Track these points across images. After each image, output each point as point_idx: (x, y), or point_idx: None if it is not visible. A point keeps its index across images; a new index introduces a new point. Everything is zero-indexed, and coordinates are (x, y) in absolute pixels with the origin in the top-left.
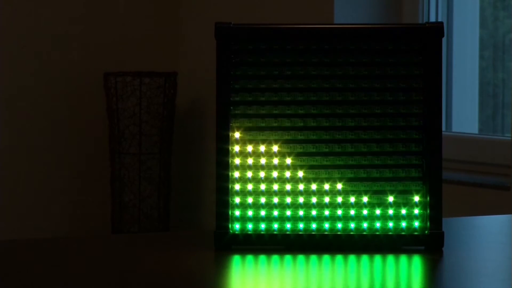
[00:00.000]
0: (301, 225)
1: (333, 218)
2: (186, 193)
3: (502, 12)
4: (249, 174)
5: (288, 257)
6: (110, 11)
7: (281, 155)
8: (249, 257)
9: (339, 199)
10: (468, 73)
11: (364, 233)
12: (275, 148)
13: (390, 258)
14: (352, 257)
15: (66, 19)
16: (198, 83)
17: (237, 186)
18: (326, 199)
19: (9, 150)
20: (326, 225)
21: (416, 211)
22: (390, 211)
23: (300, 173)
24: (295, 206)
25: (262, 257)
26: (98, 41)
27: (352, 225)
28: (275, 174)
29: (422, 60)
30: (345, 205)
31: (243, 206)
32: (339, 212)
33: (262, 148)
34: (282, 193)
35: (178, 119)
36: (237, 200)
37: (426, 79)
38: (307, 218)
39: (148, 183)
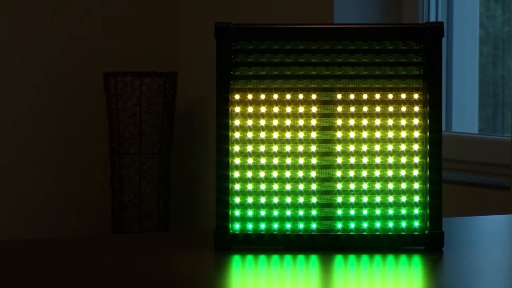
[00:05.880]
0: (301, 225)
1: (333, 218)
2: (186, 193)
3: (501, 11)
4: (249, 174)
5: (288, 257)
6: (110, 11)
7: (281, 155)
8: (249, 257)
9: (339, 199)
10: (468, 73)
11: (364, 233)
12: (275, 148)
13: (390, 258)
14: (352, 257)
15: (66, 19)
16: (198, 83)
17: (237, 186)
18: (326, 199)
19: (9, 150)
20: (326, 225)
21: (416, 211)
22: (390, 211)
23: (300, 173)
24: (295, 206)
25: (262, 257)
26: (98, 41)
27: (352, 225)
28: (275, 174)
29: (422, 60)
30: (345, 205)
31: (243, 206)
32: (339, 212)
33: (262, 148)
34: (282, 193)
35: (178, 119)
36: (237, 200)
37: (426, 79)
38: (307, 218)
39: (148, 183)
